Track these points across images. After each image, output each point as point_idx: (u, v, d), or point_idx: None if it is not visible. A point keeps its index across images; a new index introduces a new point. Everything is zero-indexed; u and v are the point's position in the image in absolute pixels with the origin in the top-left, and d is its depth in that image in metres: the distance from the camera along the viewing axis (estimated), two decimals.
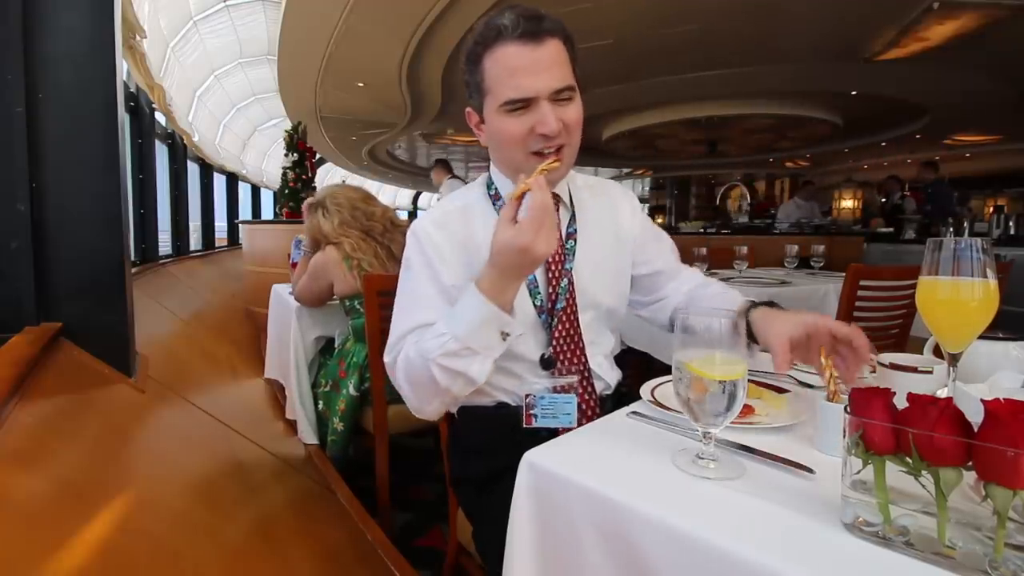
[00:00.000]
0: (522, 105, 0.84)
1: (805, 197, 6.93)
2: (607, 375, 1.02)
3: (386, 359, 0.93)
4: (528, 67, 0.82)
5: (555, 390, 0.92)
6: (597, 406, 0.98)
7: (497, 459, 0.83)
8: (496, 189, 0.99)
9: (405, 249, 0.97)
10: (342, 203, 1.90)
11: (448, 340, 0.81)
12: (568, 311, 0.95)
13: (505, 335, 0.82)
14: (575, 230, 0.99)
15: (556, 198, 0.97)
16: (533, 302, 0.94)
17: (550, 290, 0.95)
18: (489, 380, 0.88)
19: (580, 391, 0.95)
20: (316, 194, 2.06)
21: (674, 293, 1.06)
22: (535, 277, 0.94)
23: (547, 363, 0.94)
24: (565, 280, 0.95)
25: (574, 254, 0.97)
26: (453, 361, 0.81)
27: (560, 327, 0.94)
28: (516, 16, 0.82)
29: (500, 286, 0.80)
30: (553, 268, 0.95)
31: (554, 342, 0.94)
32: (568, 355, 0.95)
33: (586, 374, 0.97)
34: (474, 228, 0.94)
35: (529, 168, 0.84)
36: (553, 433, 0.75)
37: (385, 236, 1.93)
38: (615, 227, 1.04)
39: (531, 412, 0.89)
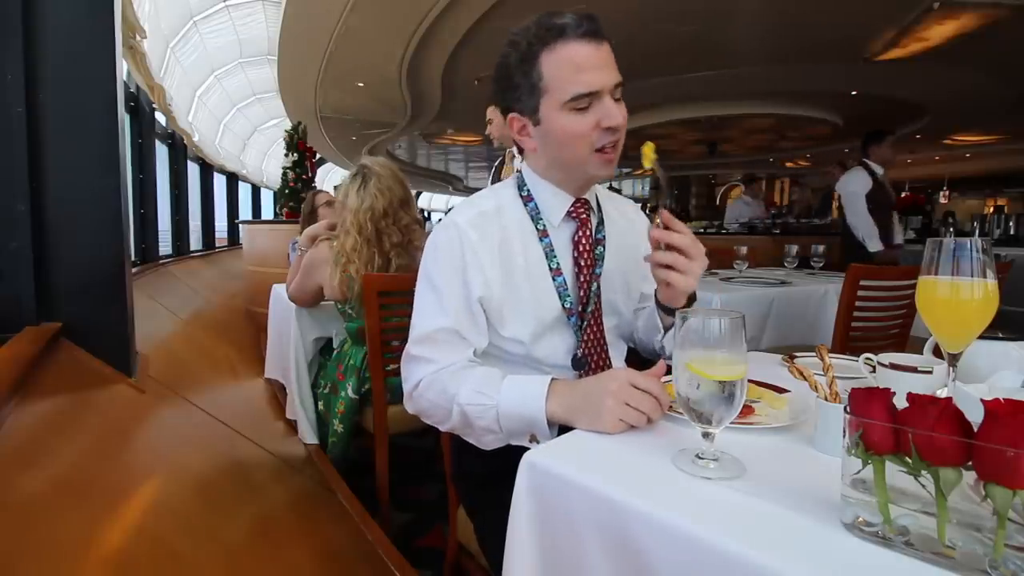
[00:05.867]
0: (587, 102, 0.84)
1: (752, 194, 6.50)
2: None
3: (412, 351, 0.91)
4: (595, 63, 0.83)
5: None
6: None
7: (499, 456, 0.84)
8: (528, 191, 0.95)
9: (436, 237, 0.92)
10: (364, 223, 1.74)
11: (488, 407, 0.80)
12: (595, 315, 0.96)
13: (534, 440, 0.80)
14: (603, 236, 0.99)
15: (586, 204, 0.96)
16: (562, 304, 0.93)
17: (581, 293, 0.95)
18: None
19: None
20: (364, 172, 1.77)
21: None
22: (564, 279, 0.93)
23: (579, 363, 0.95)
24: (595, 284, 0.95)
25: (603, 260, 0.97)
26: (476, 420, 0.81)
27: (588, 330, 0.95)
28: (578, 16, 0.83)
29: (564, 403, 0.76)
30: (584, 272, 0.95)
31: (583, 344, 0.95)
32: (595, 357, 0.96)
33: None
34: (510, 232, 0.92)
35: (591, 168, 0.88)
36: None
37: (393, 249, 1.78)
38: (634, 242, 1.03)
39: None
